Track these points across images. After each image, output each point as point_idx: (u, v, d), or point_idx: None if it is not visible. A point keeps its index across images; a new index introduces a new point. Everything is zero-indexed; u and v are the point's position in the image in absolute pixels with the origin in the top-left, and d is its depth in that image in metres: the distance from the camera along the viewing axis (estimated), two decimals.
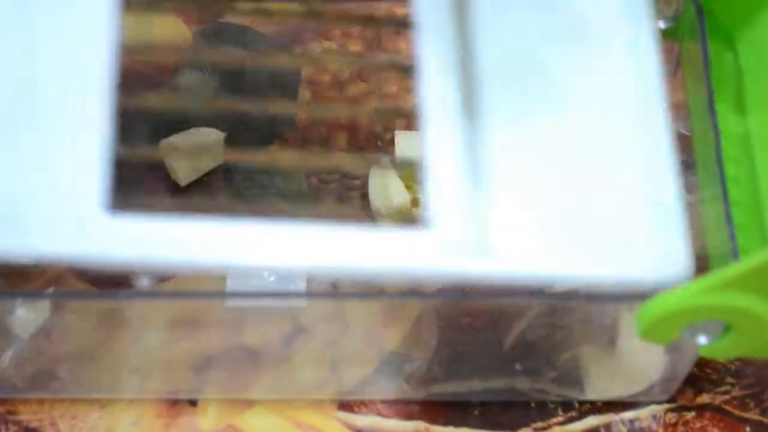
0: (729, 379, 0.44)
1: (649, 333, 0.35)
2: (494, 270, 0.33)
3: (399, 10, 0.42)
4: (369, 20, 0.41)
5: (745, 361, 0.44)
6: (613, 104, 0.37)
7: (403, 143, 0.47)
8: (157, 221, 0.34)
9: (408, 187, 0.46)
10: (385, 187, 0.46)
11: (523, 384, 0.43)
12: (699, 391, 0.44)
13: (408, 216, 0.47)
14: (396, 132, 0.47)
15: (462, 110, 0.35)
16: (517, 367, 0.42)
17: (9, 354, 0.42)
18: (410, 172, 0.46)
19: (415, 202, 0.45)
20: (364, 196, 0.47)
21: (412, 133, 0.47)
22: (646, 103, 0.37)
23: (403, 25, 0.39)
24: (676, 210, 0.35)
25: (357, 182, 0.47)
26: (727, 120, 0.40)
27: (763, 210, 0.39)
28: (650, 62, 0.37)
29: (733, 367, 0.44)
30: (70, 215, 0.34)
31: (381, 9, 0.42)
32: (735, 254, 0.37)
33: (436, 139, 0.35)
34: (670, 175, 0.35)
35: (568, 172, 0.35)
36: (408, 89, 0.47)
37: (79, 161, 0.34)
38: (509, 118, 0.36)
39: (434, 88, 0.36)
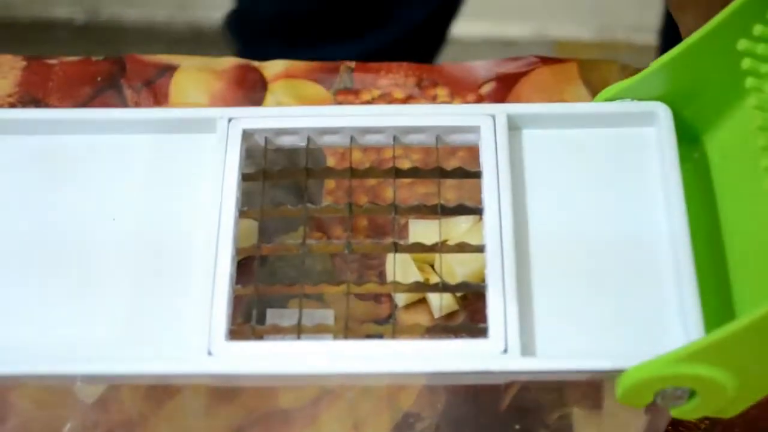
0: None
1: (626, 398, 0.41)
2: (537, 366, 0.41)
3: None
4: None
5: (713, 421, 0.49)
6: (632, 235, 0.45)
7: (416, 230, 0.53)
8: (262, 344, 0.43)
9: (420, 269, 0.52)
10: (400, 268, 0.51)
11: None
12: None
13: (419, 296, 0.52)
14: (410, 220, 0.53)
15: (513, 246, 0.44)
16: (515, 426, 0.48)
17: (77, 421, 0.48)
18: (422, 256, 0.52)
19: (426, 283, 0.50)
20: (381, 275, 0.53)
21: (423, 221, 0.52)
22: (666, 233, 0.44)
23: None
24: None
25: (375, 262, 0.53)
26: (695, 210, 0.45)
27: (729, 290, 0.44)
28: (676, 196, 0.45)
29: (703, 426, 0.49)
30: (203, 344, 0.42)
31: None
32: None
33: (492, 269, 0.43)
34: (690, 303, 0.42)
35: (591, 293, 0.43)
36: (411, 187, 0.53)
37: (215, 301, 0.43)
38: (548, 253, 0.44)
39: (493, 231, 0.44)
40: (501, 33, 1.22)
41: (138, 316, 0.44)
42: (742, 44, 0.44)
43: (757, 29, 0.43)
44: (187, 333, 0.43)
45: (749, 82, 0.44)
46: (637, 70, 0.47)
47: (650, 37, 1.01)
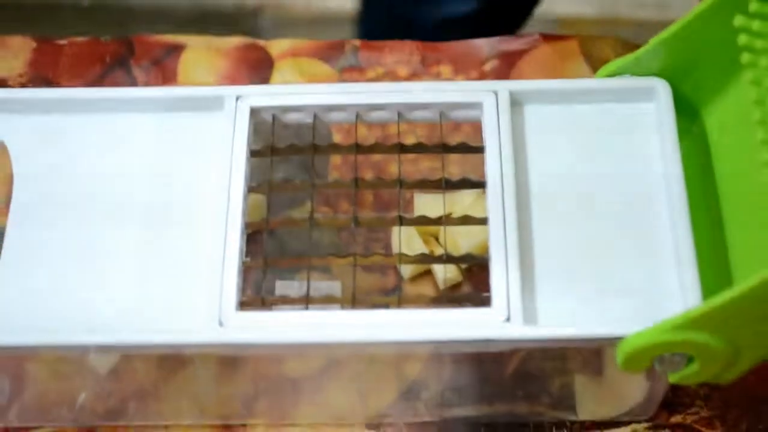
0: (698, 402, 0.50)
1: (626, 364, 0.42)
2: (539, 334, 0.43)
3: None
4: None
5: (712, 387, 0.50)
6: (632, 207, 0.46)
7: (421, 203, 0.54)
8: (271, 314, 0.44)
9: (425, 242, 0.53)
10: (405, 241, 0.52)
11: (522, 408, 0.49)
12: (673, 412, 0.50)
13: (424, 268, 0.53)
14: (414, 194, 0.54)
15: (516, 219, 0.45)
16: (518, 393, 0.49)
17: (91, 390, 0.50)
18: (427, 229, 0.53)
19: (431, 255, 0.51)
20: (387, 247, 0.54)
21: (428, 195, 0.54)
22: (665, 203, 0.45)
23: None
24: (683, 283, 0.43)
25: (381, 235, 0.54)
26: (694, 182, 0.46)
27: (726, 260, 0.45)
28: (674, 168, 0.46)
29: (702, 392, 0.50)
30: (214, 314, 0.43)
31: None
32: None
33: (495, 241, 0.44)
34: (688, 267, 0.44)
35: (592, 262, 0.44)
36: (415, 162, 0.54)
37: (226, 273, 0.44)
38: (550, 224, 0.45)
39: (496, 204, 0.45)
40: None
41: (150, 288, 0.45)
42: (739, 20, 0.45)
43: (753, 6, 0.44)
44: (199, 304, 0.44)
45: (745, 57, 0.45)
46: (638, 46, 0.48)
47: (653, 13, 1.01)
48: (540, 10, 0.89)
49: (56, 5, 1.28)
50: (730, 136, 0.47)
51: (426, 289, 0.53)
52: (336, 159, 0.57)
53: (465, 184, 0.47)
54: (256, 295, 0.49)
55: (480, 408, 0.49)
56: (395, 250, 0.53)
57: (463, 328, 0.43)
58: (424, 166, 0.56)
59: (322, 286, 0.52)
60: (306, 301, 0.45)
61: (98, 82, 0.61)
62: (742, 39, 0.45)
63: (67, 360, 0.49)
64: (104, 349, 0.45)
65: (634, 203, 0.46)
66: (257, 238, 0.50)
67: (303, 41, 0.62)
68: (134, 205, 0.47)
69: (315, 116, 0.49)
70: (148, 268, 0.45)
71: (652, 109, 0.48)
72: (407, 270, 0.53)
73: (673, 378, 0.43)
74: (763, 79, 0.44)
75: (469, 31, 0.65)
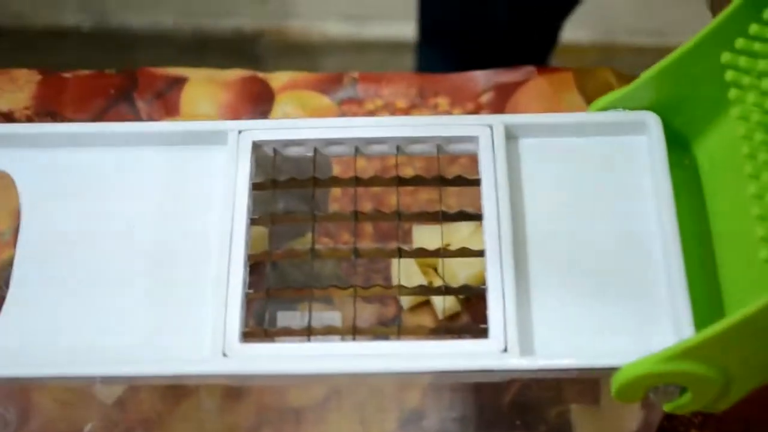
0: (693, 430, 0.51)
1: (620, 395, 0.43)
2: (535, 365, 0.43)
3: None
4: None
5: (707, 415, 0.51)
6: (625, 239, 0.47)
7: (419, 235, 0.55)
8: (274, 346, 0.45)
9: (424, 273, 0.54)
10: (404, 272, 0.53)
11: None
12: None
13: (423, 299, 0.54)
14: (413, 225, 0.55)
15: (512, 251, 0.46)
16: (516, 422, 0.50)
17: (97, 420, 0.50)
18: (425, 260, 0.54)
19: (429, 286, 0.52)
20: (386, 278, 0.55)
21: (426, 226, 0.55)
22: (657, 236, 0.46)
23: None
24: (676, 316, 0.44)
25: (380, 266, 0.55)
26: (685, 214, 0.47)
27: (718, 291, 0.46)
28: (666, 201, 0.47)
29: (697, 421, 0.51)
30: (218, 345, 0.44)
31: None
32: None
33: (492, 274, 0.45)
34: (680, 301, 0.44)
35: (587, 294, 0.46)
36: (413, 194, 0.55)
37: (229, 305, 0.45)
38: (545, 256, 0.46)
39: (492, 236, 0.46)
40: None
41: (155, 320, 0.46)
42: (726, 57, 0.46)
43: (740, 42, 0.45)
44: (203, 335, 0.45)
45: (733, 93, 0.46)
46: (632, 77, 0.49)
47: (648, 39, 1.02)
48: None
49: (58, 31, 1.30)
50: (720, 169, 0.48)
51: (425, 319, 0.54)
52: (336, 191, 0.58)
53: (462, 216, 0.48)
54: (258, 326, 0.50)
55: None
56: (395, 281, 0.54)
57: (462, 358, 0.44)
58: (422, 198, 0.57)
59: (323, 316, 0.53)
60: (308, 332, 0.46)
61: (102, 114, 0.62)
62: (730, 75, 0.46)
63: (74, 390, 0.50)
64: (111, 380, 0.46)
65: (628, 236, 0.47)
66: (259, 269, 0.51)
67: (302, 74, 0.63)
68: (139, 237, 0.48)
69: (315, 150, 0.50)
70: (153, 300, 0.46)
71: (644, 142, 0.49)
72: (407, 301, 0.54)
73: (667, 407, 0.44)
74: (750, 114, 0.45)
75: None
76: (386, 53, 1.24)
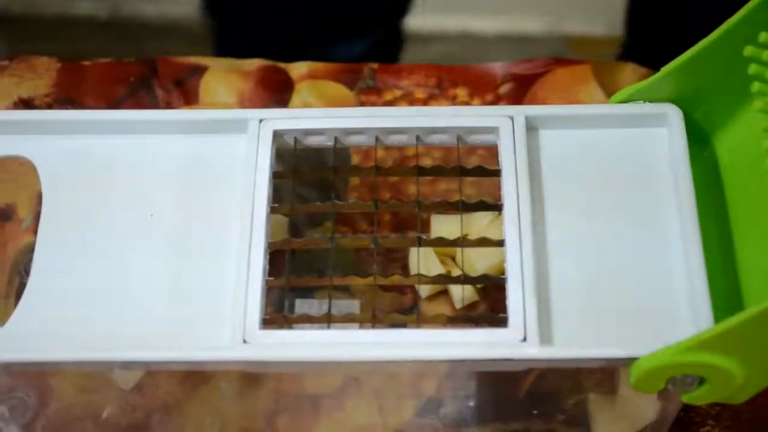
0: (710, 421, 0.51)
1: (639, 385, 0.43)
2: (554, 354, 0.44)
3: None
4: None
5: (723, 406, 0.51)
6: (645, 231, 0.47)
7: (438, 224, 0.55)
8: (293, 333, 0.45)
9: (442, 262, 0.54)
10: (423, 261, 0.54)
11: (537, 425, 0.51)
12: (684, 431, 0.51)
13: (441, 288, 0.55)
14: (432, 215, 0.55)
15: (531, 242, 0.46)
16: (533, 411, 0.50)
17: (115, 405, 0.51)
18: (444, 249, 0.54)
19: (448, 275, 0.52)
20: (405, 267, 0.55)
21: (445, 216, 0.55)
22: (677, 228, 0.47)
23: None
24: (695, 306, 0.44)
25: (399, 255, 0.55)
26: (705, 206, 0.47)
27: (738, 283, 0.46)
28: (686, 193, 0.47)
29: (713, 412, 0.51)
30: (238, 332, 0.45)
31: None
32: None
33: (512, 264, 0.45)
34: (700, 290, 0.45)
35: (606, 284, 0.46)
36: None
37: (250, 292, 0.45)
38: (564, 247, 0.47)
39: (512, 226, 0.46)
40: (515, 29, 1.24)
41: (175, 306, 0.46)
42: (749, 50, 0.46)
43: (763, 36, 0.45)
44: (223, 322, 0.45)
45: (755, 86, 0.46)
46: (651, 71, 0.49)
47: None
48: (551, 30, 0.90)
49: (72, 20, 1.30)
50: (740, 162, 0.48)
51: (443, 307, 0.54)
52: (355, 180, 0.58)
53: (481, 206, 0.49)
54: (277, 313, 0.50)
55: (495, 425, 0.51)
56: (413, 269, 0.54)
57: (481, 347, 0.44)
58: (441, 188, 0.58)
59: (342, 304, 0.53)
60: (327, 319, 0.46)
61: (122, 102, 0.62)
62: (752, 68, 0.46)
63: (92, 376, 0.50)
64: (130, 365, 0.46)
65: (647, 227, 0.47)
66: (279, 257, 0.51)
67: (321, 64, 0.63)
68: (159, 224, 0.48)
69: (335, 139, 0.50)
70: (173, 287, 0.46)
71: (664, 135, 0.49)
72: (425, 289, 0.54)
73: (685, 398, 0.44)
74: None
75: None
76: (404, 44, 1.24)
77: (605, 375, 0.49)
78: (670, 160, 0.48)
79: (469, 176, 0.50)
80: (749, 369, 0.43)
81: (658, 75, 0.48)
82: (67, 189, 0.49)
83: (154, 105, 0.62)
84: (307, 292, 0.54)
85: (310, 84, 0.62)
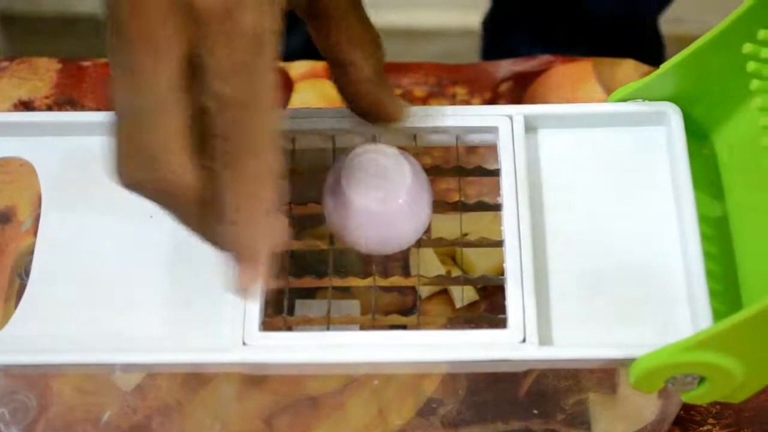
0: (710, 420, 0.51)
1: (638, 384, 0.43)
2: (554, 355, 0.44)
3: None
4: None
5: (724, 405, 0.51)
6: (644, 230, 0.47)
7: (438, 225, 0.55)
8: (293, 335, 0.45)
9: (442, 263, 0.54)
10: (423, 261, 0.54)
11: (537, 425, 0.51)
12: (685, 430, 0.51)
13: (441, 288, 0.55)
14: (432, 215, 0.55)
15: (531, 242, 0.46)
16: (533, 410, 0.50)
17: (116, 407, 0.51)
18: (444, 250, 0.54)
19: (448, 276, 0.52)
20: (405, 267, 0.55)
21: (444, 216, 0.55)
22: (676, 226, 0.46)
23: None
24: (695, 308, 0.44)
25: (398, 255, 0.55)
26: (704, 204, 0.47)
27: (736, 281, 0.46)
28: (685, 192, 0.47)
29: (714, 410, 0.51)
30: (237, 334, 0.44)
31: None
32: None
33: (511, 264, 0.45)
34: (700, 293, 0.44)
35: (605, 285, 0.46)
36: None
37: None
38: (564, 246, 0.46)
39: (511, 227, 0.46)
40: None
41: (175, 308, 0.46)
42: (747, 48, 0.46)
43: (762, 34, 0.45)
44: (223, 324, 0.45)
45: (754, 84, 0.46)
46: (650, 69, 0.49)
47: (666, 28, 1.02)
48: None
49: (73, 18, 1.30)
50: (739, 160, 0.48)
51: (443, 308, 0.54)
52: None
53: (481, 206, 0.48)
54: (277, 314, 0.50)
55: (495, 425, 0.51)
56: (413, 270, 0.54)
57: (481, 349, 0.44)
58: (441, 187, 0.57)
59: (341, 305, 0.53)
60: (327, 321, 0.46)
61: None
62: (751, 66, 0.46)
63: (93, 378, 0.50)
64: (131, 368, 0.46)
65: (646, 226, 0.47)
66: (278, 258, 0.51)
67: (321, 63, 0.63)
68: (159, 225, 0.48)
69: (334, 139, 0.50)
70: (173, 289, 0.46)
71: (663, 133, 0.49)
72: (424, 290, 0.54)
73: (685, 397, 0.44)
74: None
75: None
76: (404, 41, 1.24)
77: (605, 375, 0.49)
78: (669, 159, 0.48)
79: (469, 176, 0.50)
80: (749, 367, 0.42)
81: (657, 73, 0.48)
82: (68, 190, 0.49)
83: None
84: (306, 294, 0.54)
85: (310, 83, 0.62)
